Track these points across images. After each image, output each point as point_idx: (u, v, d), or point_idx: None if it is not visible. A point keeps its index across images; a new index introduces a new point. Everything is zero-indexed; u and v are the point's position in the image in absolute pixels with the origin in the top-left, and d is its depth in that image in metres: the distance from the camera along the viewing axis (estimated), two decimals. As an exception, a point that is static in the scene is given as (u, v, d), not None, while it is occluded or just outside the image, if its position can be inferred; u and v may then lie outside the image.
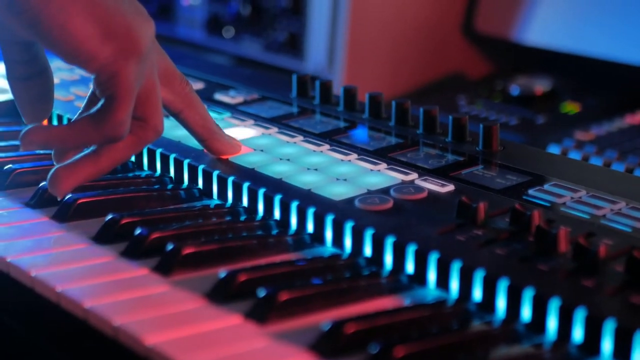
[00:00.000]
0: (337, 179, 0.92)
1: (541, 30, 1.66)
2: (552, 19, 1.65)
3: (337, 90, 1.16)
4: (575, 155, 1.30)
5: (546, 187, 0.90)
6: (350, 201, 0.88)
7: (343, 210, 0.86)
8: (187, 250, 0.81)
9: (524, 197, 0.89)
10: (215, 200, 0.95)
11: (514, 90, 1.60)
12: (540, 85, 1.59)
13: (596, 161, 1.27)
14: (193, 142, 0.99)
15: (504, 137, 1.46)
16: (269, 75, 1.59)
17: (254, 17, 1.82)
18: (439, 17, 1.78)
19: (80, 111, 0.91)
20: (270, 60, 1.81)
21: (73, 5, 0.80)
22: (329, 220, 0.85)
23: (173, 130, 1.03)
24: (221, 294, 0.77)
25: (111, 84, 0.82)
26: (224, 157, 0.98)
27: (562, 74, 1.66)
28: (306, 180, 0.92)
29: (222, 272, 0.78)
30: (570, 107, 1.56)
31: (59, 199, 0.88)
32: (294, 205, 0.88)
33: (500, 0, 1.73)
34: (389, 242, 0.81)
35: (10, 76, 0.90)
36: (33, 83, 0.90)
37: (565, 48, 1.62)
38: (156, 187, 0.97)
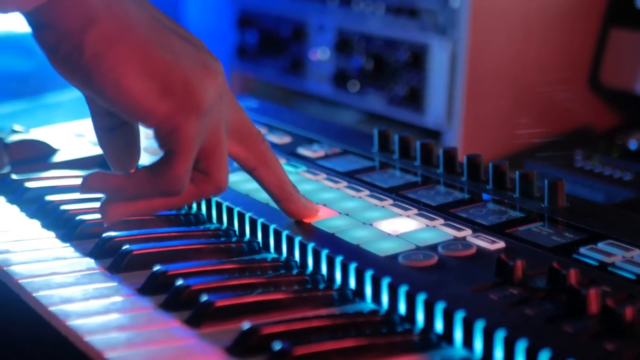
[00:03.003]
0: (389, 235, 0.92)
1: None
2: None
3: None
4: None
5: (600, 245, 0.87)
6: (394, 257, 0.87)
7: (384, 266, 0.86)
8: (220, 303, 0.82)
9: (574, 255, 0.86)
10: (272, 254, 0.96)
11: (632, 144, 1.55)
12: (660, 140, 1.54)
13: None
14: (260, 197, 1.01)
15: (616, 192, 1.43)
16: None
17: (377, 72, 1.83)
18: (562, 71, 1.75)
19: None
20: (393, 114, 1.81)
21: (126, 62, 0.79)
22: (368, 276, 0.85)
23: (242, 184, 1.04)
24: (241, 348, 0.77)
25: (171, 139, 0.82)
26: (300, 219, 0.96)
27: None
28: (357, 235, 0.92)
29: (245, 324, 0.78)
30: (691, 164, 1.50)
31: (105, 226, 0.89)
32: (338, 260, 0.88)
33: (626, 53, 1.68)
34: (420, 300, 0.80)
35: (96, 127, 0.90)
36: (118, 133, 0.90)
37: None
38: (222, 239, 0.99)
